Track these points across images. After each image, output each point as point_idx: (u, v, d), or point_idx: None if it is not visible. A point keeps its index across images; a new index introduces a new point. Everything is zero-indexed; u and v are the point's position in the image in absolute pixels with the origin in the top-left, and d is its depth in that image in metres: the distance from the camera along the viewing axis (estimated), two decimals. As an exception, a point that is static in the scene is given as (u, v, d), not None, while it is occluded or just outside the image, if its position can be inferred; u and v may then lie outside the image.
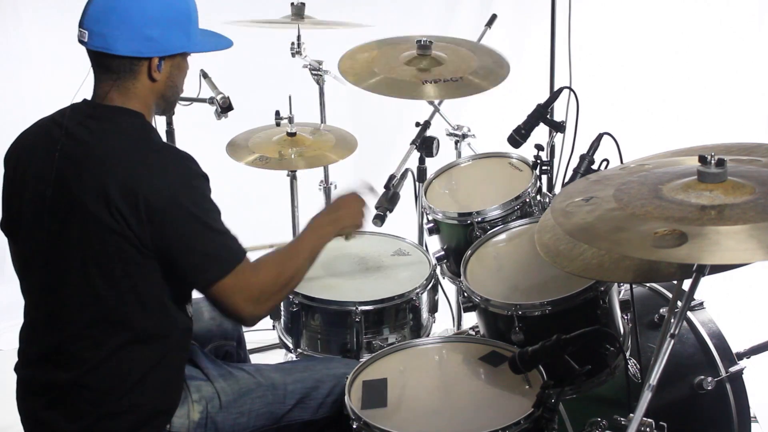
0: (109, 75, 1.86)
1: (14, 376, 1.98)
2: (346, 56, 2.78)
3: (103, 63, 1.86)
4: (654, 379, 1.54)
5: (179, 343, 1.95)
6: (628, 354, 2.19)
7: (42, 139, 1.89)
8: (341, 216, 2.14)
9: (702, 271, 1.58)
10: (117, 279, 1.81)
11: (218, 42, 2.05)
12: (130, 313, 1.84)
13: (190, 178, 1.84)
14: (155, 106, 1.95)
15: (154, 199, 1.77)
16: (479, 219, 2.47)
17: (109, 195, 1.76)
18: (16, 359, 1.99)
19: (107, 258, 1.80)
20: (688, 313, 2.36)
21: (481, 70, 2.72)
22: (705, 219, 1.46)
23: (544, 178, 2.60)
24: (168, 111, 2.04)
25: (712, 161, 1.54)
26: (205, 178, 1.87)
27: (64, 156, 1.83)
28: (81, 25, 1.85)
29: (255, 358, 3.04)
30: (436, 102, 2.92)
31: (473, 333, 2.51)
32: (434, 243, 2.65)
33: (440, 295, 2.69)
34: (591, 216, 1.58)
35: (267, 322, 2.62)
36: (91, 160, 1.82)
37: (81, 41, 1.86)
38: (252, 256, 1.92)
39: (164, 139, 3.02)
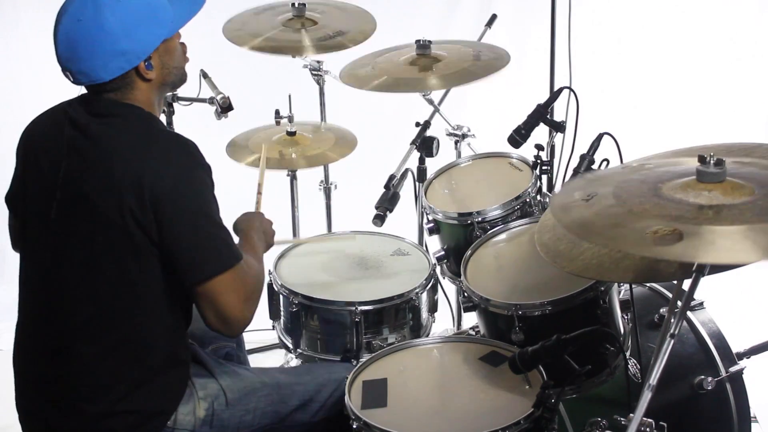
0: (106, 93, 1.86)
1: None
2: (346, 71, 2.77)
3: (98, 89, 1.86)
4: (654, 378, 1.54)
5: (176, 347, 1.94)
6: (628, 354, 2.19)
7: (51, 131, 1.89)
8: (256, 236, 2.09)
9: (702, 271, 1.58)
10: (116, 277, 1.82)
11: (192, 6, 1.94)
12: (127, 313, 1.84)
13: (193, 167, 1.83)
14: (161, 96, 1.94)
15: (157, 187, 1.77)
16: (479, 219, 2.47)
17: (117, 190, 1.77)
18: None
19: (109, 254, 1.80)
20: (688, 313, 2.35)
21: (481, 62, 2.72)
22: (702, 218, 1.45)
23: (544, 178, 2.59)
24: (179, 86, 2.00)
25: (711, 161, 1.54)
26: (206, 169, 1.86)
27: (72, 151, 1.84)
28: (61, 68, 1.85)
29: (255, 358, 3.04)
30: (437, 102, 2.92)
31: (473, 333, 2.51)
32: (434, 243, 2.65)
33: (440, 295, 2.69)
34: (589, 212, 1.58)
35: (267, 322, 2.62)
36: (98, 155, 1.82)
37: (72, 82, 1.87)
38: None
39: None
